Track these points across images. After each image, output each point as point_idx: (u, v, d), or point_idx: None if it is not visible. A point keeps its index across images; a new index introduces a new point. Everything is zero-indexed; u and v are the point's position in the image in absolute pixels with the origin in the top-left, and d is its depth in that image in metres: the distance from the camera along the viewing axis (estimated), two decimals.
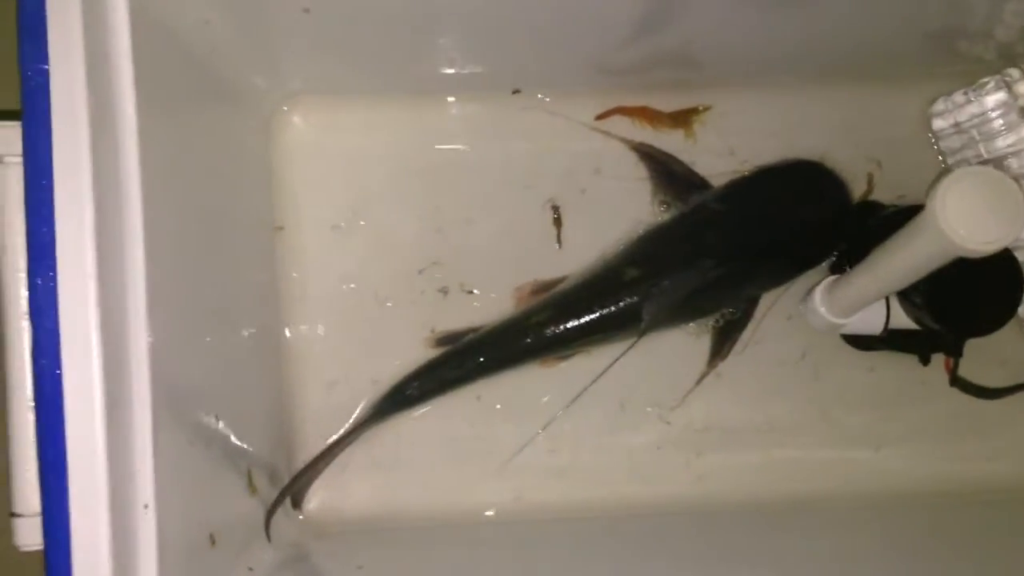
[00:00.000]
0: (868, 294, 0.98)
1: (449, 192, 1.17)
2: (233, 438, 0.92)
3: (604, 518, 1.15)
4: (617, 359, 1.08)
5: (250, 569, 0.90)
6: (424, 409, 1.13)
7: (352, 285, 1.15)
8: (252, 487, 0.94)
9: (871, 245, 1.07)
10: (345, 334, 1.15)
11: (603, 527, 1.14)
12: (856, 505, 1.15)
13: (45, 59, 0.62)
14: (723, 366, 1.16)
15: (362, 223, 1.16)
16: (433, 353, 1.13)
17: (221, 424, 0.87)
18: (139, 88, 0.68)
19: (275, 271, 1.13)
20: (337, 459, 1.09)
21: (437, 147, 1.17)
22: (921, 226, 0.81)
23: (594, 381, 1.08)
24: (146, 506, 0.66)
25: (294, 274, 1.14)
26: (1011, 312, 0.99)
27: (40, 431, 0.61)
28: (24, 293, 0.64)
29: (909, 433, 1.17)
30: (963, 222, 0.75)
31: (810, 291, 1.10)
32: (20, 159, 0.64)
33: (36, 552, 0.64)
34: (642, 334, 1.06)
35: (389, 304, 1.15)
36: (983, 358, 1.10)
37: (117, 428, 0.64)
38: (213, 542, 0.81)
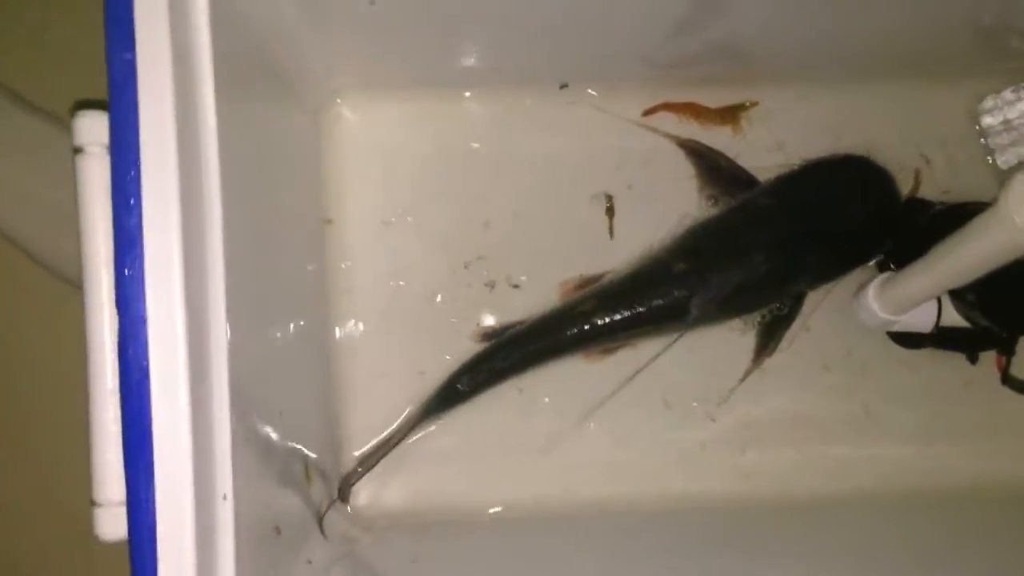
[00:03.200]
0: (926, 291, 0.98)
1: (496, 186, 1.17)
2: (291, 433, 0.92)
3: (649, 513, 1.15)
4: (662, 351, 1.08)
5: (309, 562, 0.90)
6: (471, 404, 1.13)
7: (401, 282, 1.15)
8: (309, 480, 0.94)
9: (919, 243, 1.08)
10: (392, 328, 1.15)
11: (648, 522, 1.14)
12: (899, 503, 1.15)
13: (132, 48, 0.62)
14: (768, 363, 1.16)
15: (410, 219, 1.16)
16: (479, 347, 1.13)
17: (281, 418, 0.87)
18: (217, 76, 0.68)
19: (324, 264, 1.13)
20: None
21: (484, 141, 1.17)
22: (990, 221, 0.81)
23: (639, 372, 1.08)
24: (225, 497, 0.66)
25: (343, 265, 1.14)
26: None
27: (126, 421, 0.61)
28: (107, 281, 0.64)
29: (954, 432, 1.17)
30: None
31: (862, 287, 1.09)
32: (102, 148, 0.64)
33: (117, 542, 0.64)
34: (688, 328, 1.06)
35: (437, 299, 1.15)
36: None
37: (200, 418, 0.64)
38: (278, 532, 0.81)
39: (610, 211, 1.16)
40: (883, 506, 1.15)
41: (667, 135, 1.17)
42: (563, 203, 1.17)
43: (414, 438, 1.12)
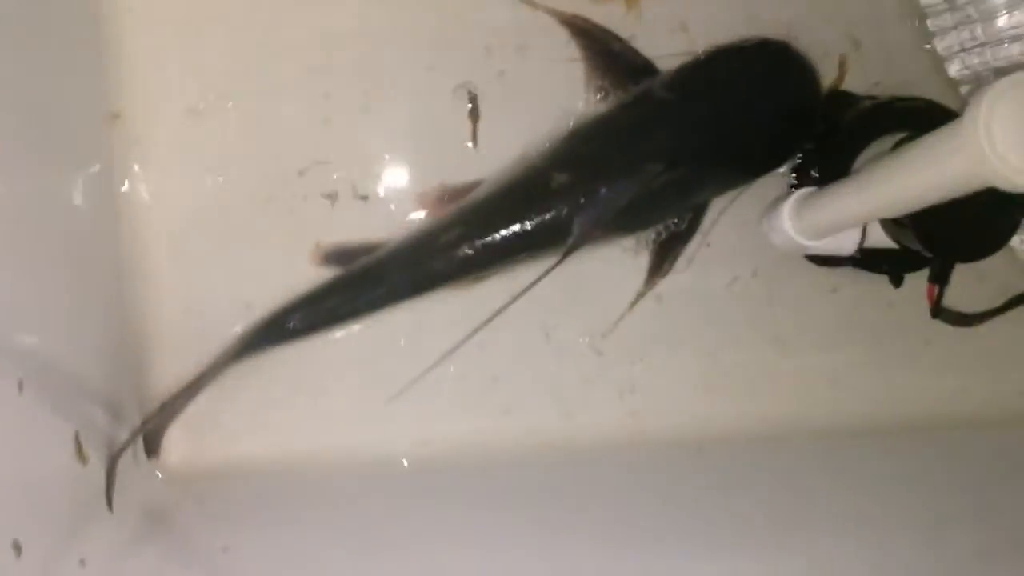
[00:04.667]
0: (856, 219, 0.81)
1: (339, 74, 0.95)
2: (53, 396, 0.71)
3: (523, 462, 0.99)
4: (538, 279, 0.89)
5: (82, 562, 0.70)
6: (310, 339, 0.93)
7: (219, 178, 0.92)
8: (82, 455, 0.74)
9: (842, 145, 0.92)
10: (210, 247, 0.93)
11: (522, 472, 0.98)
12: (811, 442, 1.01)
13: None
14: (663, 285, 0.99)
15: (229, 105, 0.93)
16: (319, 272, 0.92)
17: (36, 370, 0.66)
18: None
19: (112, 169, 0.89)
20: (205, 396, 0.90)
21: (323, 16, 0.94)
22: (950, 145, 0.63)
23: (507, 306, 0.88)
24: None
25: (136, 167, 0.91)
26: (1009, 234, 0.83)
27: None
28: None
29: (871, 363, 1.02)
30: (1014, 147, 0.57)
31: (775, 204, 0.92)
32: None
33: None
34: (570, 251, 0.87)
35: (264, 210, 0.93)
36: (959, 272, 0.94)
37: None
38: (18, 550, 0.61)
39: (473, 112, 0.95)
40: (789, 447, 1.01)
41: (548, 9, 0.95)
42: (421, 95, 0.96)
43: (243, 381, 0.92)
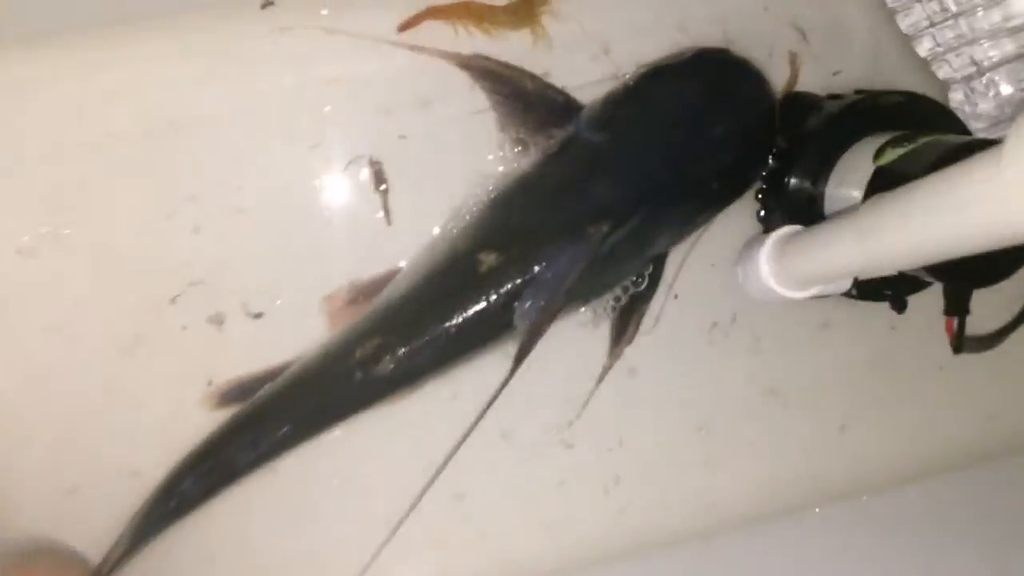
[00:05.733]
0: (857, 271, 0.65)
1: (201, 170, 0.77)
2: None
3: None
4: (492, 400, 0.73)
5: None
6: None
7: (67, 331, 0.74)
8: None
9: (812, 155, 0.77)
10: (75, 414, 0.75)
11: None
12: (832, 505, 0.86)
13: None
14: (631, 353, 0.83)
15: (67, 232, 0.75)
16: (217, 418, 0.75)
17: None
18: None
19: None
20: None
21: (172, 101, 0.77)
22: (972, 191, 0.47)
23: (465, 437, 0.73)
24: None
25: None
26: None
27: None
28: None
29: (881, 401, 0.88)
30: None
31: (749, 249, 0.77)
32: None
33: None
34: (523, 355, 0.71)
35: (133, 357, 0.75)
36: None
37: None
38: None
39: (379, 181, 0.78)
40: (807, 513, 0.86)
41: (442, 55, 0.78)
42: (307, 178, 0.78)
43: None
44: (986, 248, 0.50)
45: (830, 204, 0.76)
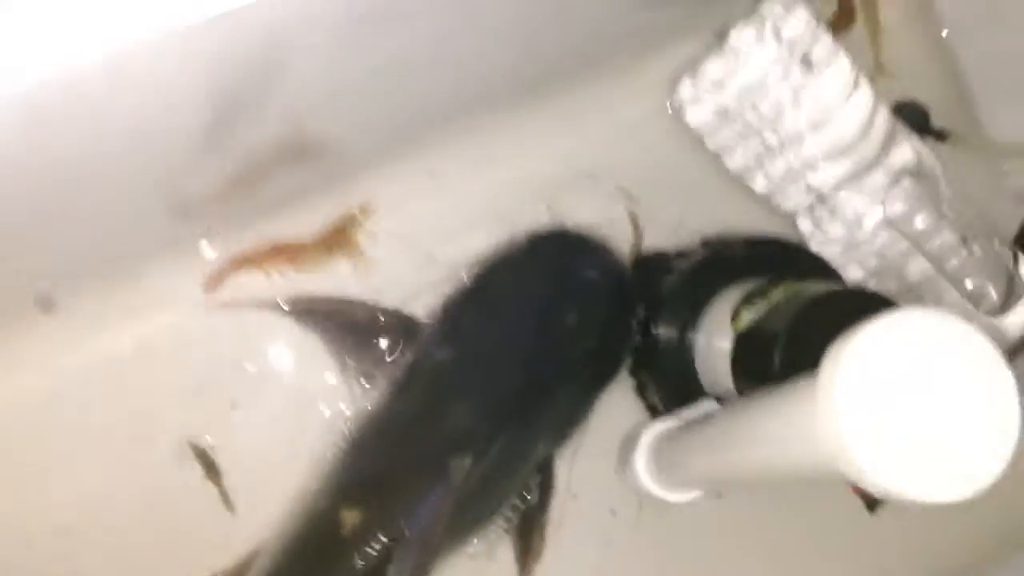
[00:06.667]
0: (711, 484, 0.58)
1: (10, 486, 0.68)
2: None
3: None
4: None
5: None
6: None
7: None
8: None
9: (672, 320, 0.72)
10: None
11: None
12: None
13: None
14: (541, 570, 0.75)
15: None
16: None
17: None
18: None
19: None
20: None
21: None
22: (792, 424, 0.41)
23: None
24: None
25: None
26: None
27: None
28: None
29: (813, 545, 0.81)
30: (871, 443, 0.35)
31: (629, 443, 0.70)
32: None
33: None
34: None
35: None
36: None
37: None
38: None
39: (209, 466, 0.70)
40: None
41: (258, 305, 0.72)
42: (132, 475, 0.70)
43: None
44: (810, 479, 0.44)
45: (703, 365, 0.71)
